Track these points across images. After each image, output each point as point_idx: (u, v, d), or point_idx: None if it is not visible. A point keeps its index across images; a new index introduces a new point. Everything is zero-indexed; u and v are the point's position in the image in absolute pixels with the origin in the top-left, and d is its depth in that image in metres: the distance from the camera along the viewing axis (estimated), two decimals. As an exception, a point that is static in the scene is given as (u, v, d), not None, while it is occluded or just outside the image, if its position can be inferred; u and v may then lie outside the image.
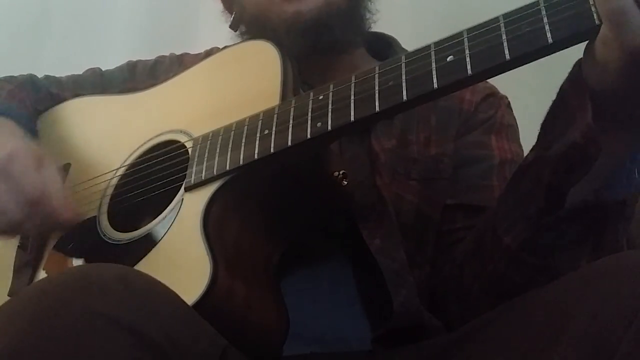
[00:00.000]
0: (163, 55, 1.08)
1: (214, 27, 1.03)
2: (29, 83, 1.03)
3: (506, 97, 0.98)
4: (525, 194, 0.71)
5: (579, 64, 0.63)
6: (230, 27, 1.01)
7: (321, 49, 0.89)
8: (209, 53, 1.04)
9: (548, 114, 0.69)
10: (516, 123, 0.97)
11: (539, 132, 0.71)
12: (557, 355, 0.54)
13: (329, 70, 0.86)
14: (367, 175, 0.86)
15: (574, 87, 0.64)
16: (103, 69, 1.08)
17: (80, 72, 1.08)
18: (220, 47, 0.97)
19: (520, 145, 0.95)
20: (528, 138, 0.94)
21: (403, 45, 0.99)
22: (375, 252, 0.81)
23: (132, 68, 1.06)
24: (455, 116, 0.92)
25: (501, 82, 0.97)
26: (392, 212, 0.84)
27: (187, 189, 0.78)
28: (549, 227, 0.69)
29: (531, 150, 0.73)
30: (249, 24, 0.97)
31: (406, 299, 0.80)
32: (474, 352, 0.66)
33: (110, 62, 1.09)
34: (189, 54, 1.07)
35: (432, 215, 0.87)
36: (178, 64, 1.04)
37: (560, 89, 0.67)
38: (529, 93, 1.23)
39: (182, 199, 0.78)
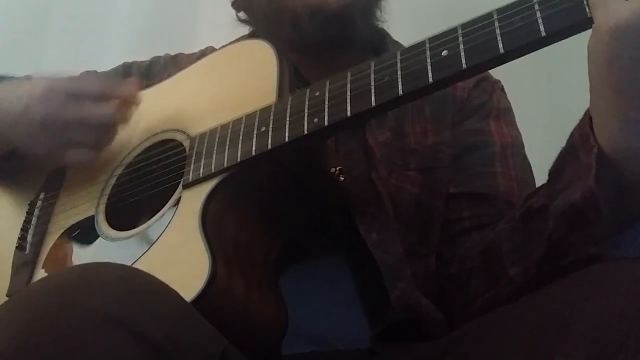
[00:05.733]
0: (158, 56, 1.08)
1: (214, 27, 1.03)
2: None
3: (499, 81, 0.98)
4: (531, 236, 0.71)
5: (588, 114, 0.62)
6: (233, 5, 1.01)
7: (339, 42, 0.87)
8: (203, 53, 1.04)
9: (557, 161, 0.68)
10: (511, 106, 0.97)
11: (548, 178, 0.70)
12: (561, 355, 0.54)
13: (333, 64, 0.84)
14: (363, 170, 0.86)
15: (583, 141, 0.63)
16: (104, 69, 1.08)
17: (79, 73, 1.08)
18: (217, 47, 0.97)
19: (517, 129, 0.95)
20: (529, 138, 0.95)
21: (401, 42, 0.99)
22: (372, 246, 0.81)
23: (127, 70, 1.06)
24: (449, 103, 0.92)
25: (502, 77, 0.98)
26: (389, 207, 0.84)
27: (185, 187, 0.78)
28: (550, 274, 0.67)
29: (539, 195, 0.71)
30: (262, 7, 0.94)
31: (403, 293, 0.80)
32: (476, 351, 0.65)
33: (110, 62, 1.09)
34: (183, 53, 1.08)
35: (434, 204, 0.87)
36: (173, 64, 1.04)
37: (571, 136, 0.66)
38: (527, 87, 1.24)
39: (180, 196, 0.78)
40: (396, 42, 0.98)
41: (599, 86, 0.59)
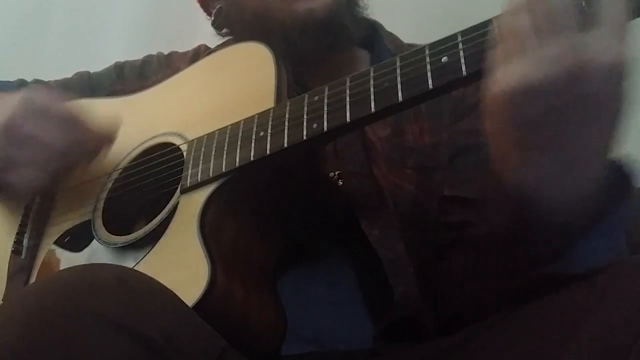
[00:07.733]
0: (150, 55, 1.07)
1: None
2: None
3: None
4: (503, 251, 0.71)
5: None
6: (213, 24, 0.99)
7: (334, 47, 0.87)
8: (197, 51, 1.04)
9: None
10: None
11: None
12: (568, 358, 0.54)
13: (331, 66, 0.84)
14: (363, 164, 0.85)
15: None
16: (102, 69, 1.07)
17: (80, 72, 1.08)
18: (211, 45, 0.96)
19: None
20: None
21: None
22: (375, 242, 0.80)
23: (119, 69, 1.05)
24: (444, 103, 0.91)
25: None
26: (391, 203, 0.83)
27: (182, 191, 0.78)
28: (544, 281, 0.66)
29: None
30: (246, 23, 0.93)
31: (406, 289, 0.79)
32: (479, 353, 0.65)
33: (109, 61, 1.08)
34: (176, 52, 1.07)
35: (430, 205, 0.86)
36: (166, 64, 1.04)
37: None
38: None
39: (178, 201, 0.78)
40: (390, 33, 0.97)
41: (496, 137, 0.59)
